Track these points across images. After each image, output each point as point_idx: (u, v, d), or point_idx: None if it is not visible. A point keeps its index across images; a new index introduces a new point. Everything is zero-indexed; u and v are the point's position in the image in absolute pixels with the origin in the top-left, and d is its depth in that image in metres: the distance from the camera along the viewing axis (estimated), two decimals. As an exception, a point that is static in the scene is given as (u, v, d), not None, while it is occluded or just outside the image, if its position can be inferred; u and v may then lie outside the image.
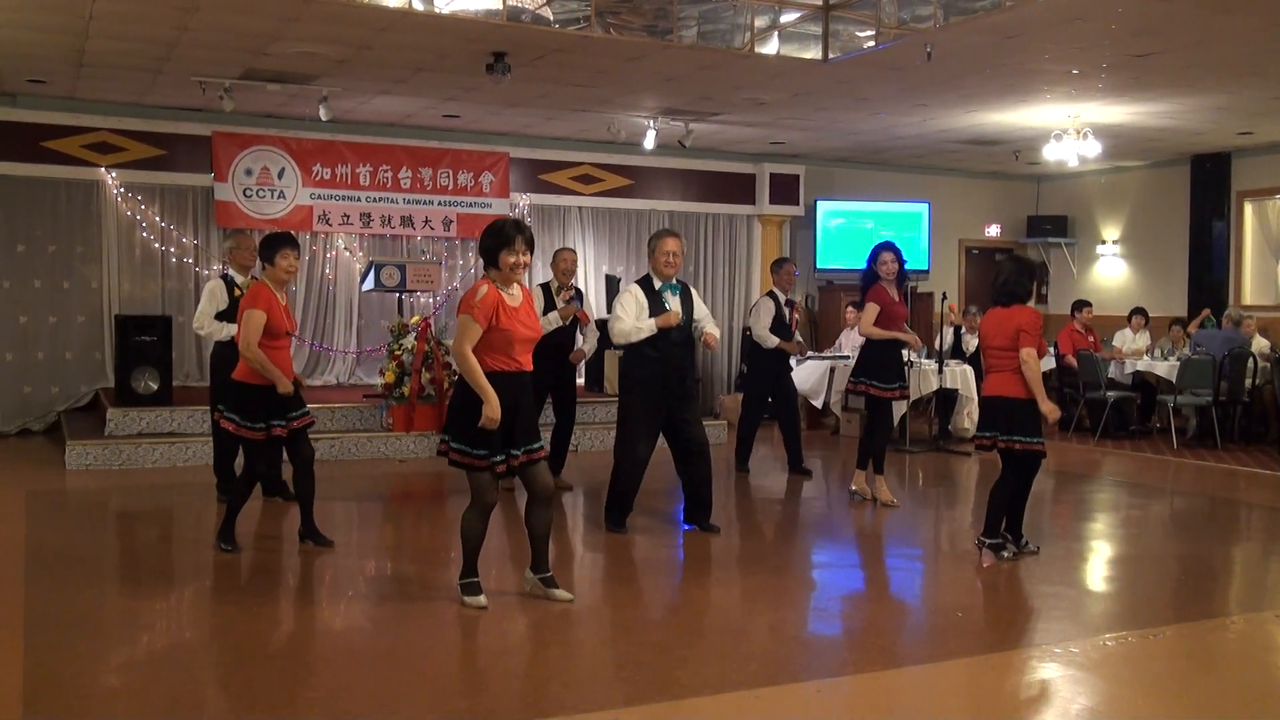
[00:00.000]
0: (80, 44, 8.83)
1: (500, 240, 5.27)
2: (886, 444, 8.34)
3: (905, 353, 8.30)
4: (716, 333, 7.25)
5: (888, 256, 7.91)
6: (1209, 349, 11.71)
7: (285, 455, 6.65)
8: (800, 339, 9.92)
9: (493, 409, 5.07)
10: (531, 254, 5.34)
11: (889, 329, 7.88)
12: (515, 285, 5.35)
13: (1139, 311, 13.09)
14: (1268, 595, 6.34)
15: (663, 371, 6.94)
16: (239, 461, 7.01)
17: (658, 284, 7.02)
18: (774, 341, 9.14)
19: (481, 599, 5.33)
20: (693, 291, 7.25)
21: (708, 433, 7.46)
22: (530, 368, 5.38)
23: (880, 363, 7.96)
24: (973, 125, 12.04)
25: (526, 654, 4.97)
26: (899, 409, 10.25)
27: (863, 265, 8.12)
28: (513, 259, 5.25)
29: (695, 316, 7.13)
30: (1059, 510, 8.47)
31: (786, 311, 9.24)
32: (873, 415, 8.18)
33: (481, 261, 5.43)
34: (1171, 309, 13.91)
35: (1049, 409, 6.47)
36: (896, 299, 7.97)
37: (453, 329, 11.59)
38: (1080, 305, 12.84)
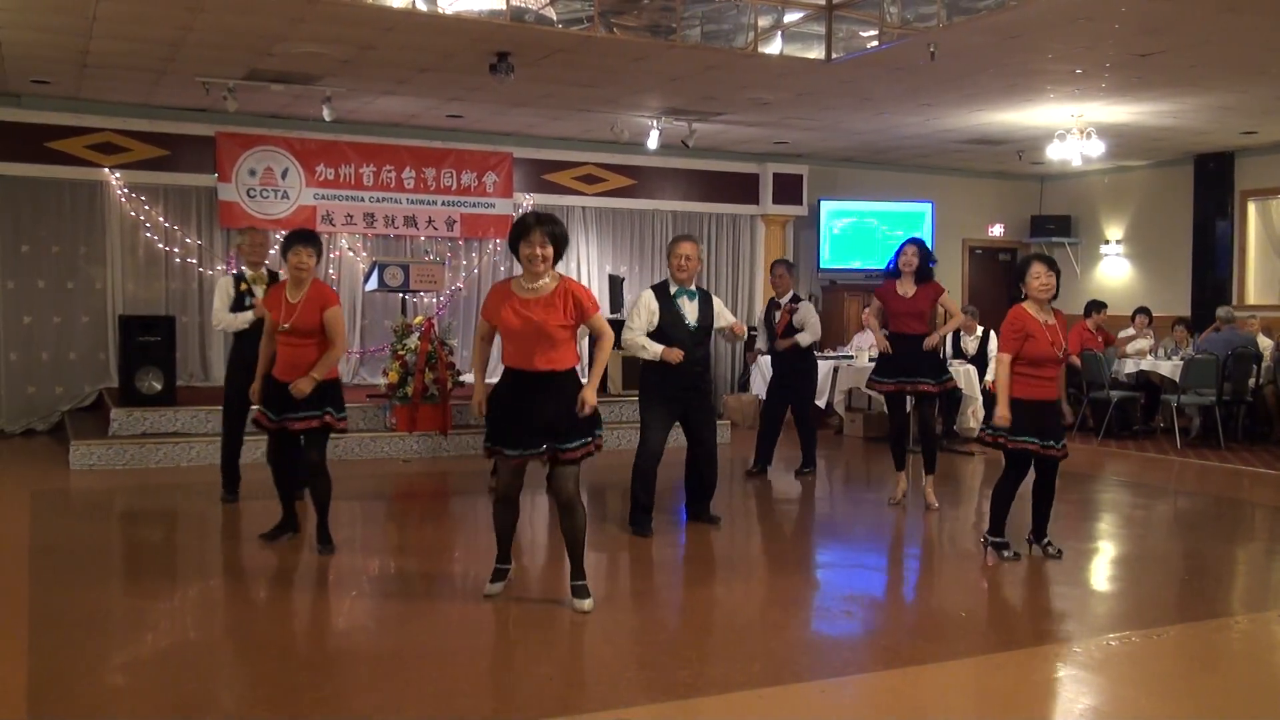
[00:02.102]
0: (84, 44, 8.84)
1: (518, 231, 5.22)
2: (929, 440, 7.98)
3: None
4: (739, 325, 7.27)
5: (909, 249, 7.85)
6: (1214, 352, 11.67)
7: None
8: (757, 341, 9.69)
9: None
10: (557, 248, 5.21)
11: (887, 326, 7.91)
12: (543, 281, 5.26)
13: (1143, 311, 13.07)
14: (1271, 595, 6.34)
15: (680, 371, 6.96)
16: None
17: (673, 289, 7.00)
18: (781, 345, 9.09)
19: (493, 587, 5.45)
20: (714, 300, 7.22)
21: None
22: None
23: (883, 358, 7.97)
24: (976, 125, 12.04)
25: (532, 654, 4.96)
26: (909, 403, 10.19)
27: (866, 265, 8.11)
28: (529, 250, 5.16)
29: (717, 325, 7.14)
30: (1062, 510, 8.43)
31: (776, 315, 9.22)
32: (889, 413, 8.23)
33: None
34: (1175, 309, 13.90)
35: (1000, 416, 6.26)
36: (909, 295, 7.89)
37: (455, 329, 11.76)
38: (1096, 306, 12.71)
